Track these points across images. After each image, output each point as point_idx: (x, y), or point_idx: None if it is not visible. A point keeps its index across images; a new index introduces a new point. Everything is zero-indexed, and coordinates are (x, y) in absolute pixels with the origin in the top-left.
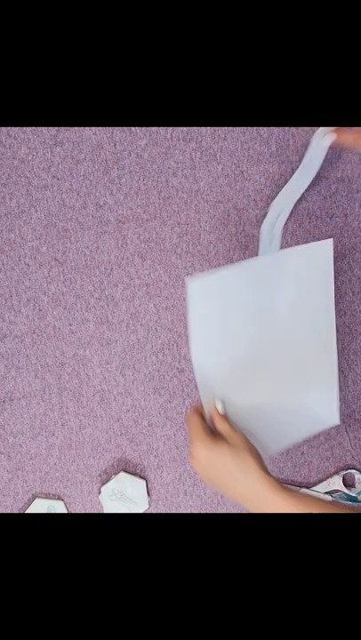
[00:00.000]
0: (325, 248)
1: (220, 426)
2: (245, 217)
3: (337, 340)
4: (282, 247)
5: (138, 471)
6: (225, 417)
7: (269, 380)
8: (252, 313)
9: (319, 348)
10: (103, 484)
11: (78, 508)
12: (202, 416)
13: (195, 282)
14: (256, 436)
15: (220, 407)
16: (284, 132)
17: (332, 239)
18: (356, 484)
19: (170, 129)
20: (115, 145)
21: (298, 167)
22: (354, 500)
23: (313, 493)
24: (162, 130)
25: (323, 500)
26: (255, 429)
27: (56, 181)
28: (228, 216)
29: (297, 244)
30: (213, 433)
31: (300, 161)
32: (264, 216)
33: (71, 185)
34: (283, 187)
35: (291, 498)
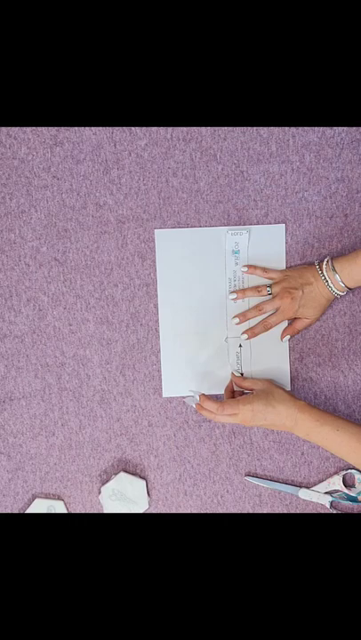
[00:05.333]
0: (278, 231)
1: (245, 383)
2: (245, 217)
3: (336, 339)
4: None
5: (138, 471)
6: (243, 376)
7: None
8: (207, 271)
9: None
10: (103, 484)
11: (78, 508)
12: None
13: (161, 231)
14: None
15: (236, 372)
16: (284, 131)
17: (284, 225)
18: (356, 484)
19: (170, 129)
20: (115, 145)
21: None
22: (354, 500)
23: (313, 493)
24: (162, 130)
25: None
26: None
27: (56, 181)
28: (228, 216)
29: (297, 244)
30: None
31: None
32: (265, 216)
33: (71, 185)
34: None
35: (322, 415)
